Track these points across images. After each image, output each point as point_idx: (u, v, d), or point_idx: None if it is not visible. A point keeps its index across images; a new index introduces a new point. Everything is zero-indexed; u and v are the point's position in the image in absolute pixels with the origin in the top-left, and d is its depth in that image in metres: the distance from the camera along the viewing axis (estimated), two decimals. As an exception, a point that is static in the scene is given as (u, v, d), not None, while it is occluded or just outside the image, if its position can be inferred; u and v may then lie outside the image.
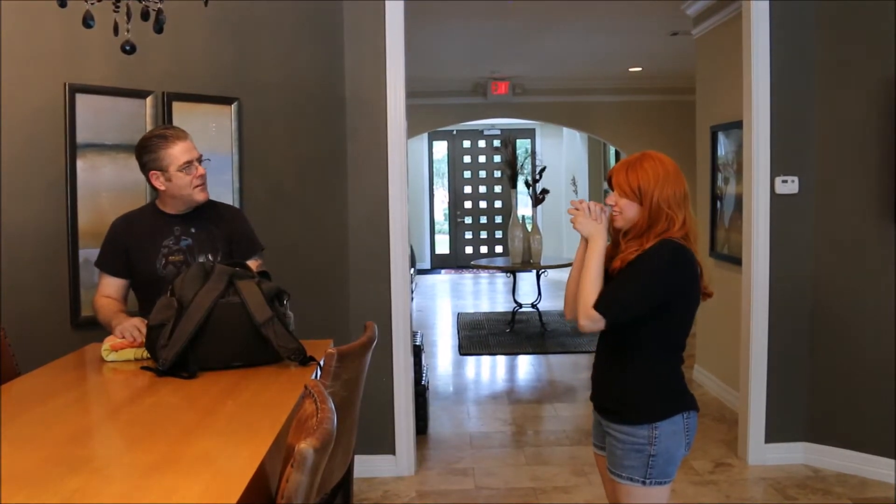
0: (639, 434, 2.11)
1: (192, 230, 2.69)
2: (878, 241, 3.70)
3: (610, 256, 2.19)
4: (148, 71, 3.25)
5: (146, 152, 2.62)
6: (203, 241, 2.69)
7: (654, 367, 2.15)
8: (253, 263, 2.63)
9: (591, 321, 2.08)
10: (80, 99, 3.09)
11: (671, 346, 2.18)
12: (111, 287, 2.70)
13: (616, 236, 2.22)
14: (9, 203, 2.96)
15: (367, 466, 3.82)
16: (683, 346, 2.21)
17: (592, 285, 2.11)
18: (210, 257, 2.66)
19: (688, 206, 2.17)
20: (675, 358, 2.19)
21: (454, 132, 12.80)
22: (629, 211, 2.15)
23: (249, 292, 2.32)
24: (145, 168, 2.64)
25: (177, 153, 2.59)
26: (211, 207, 2.76)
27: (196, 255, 2.67)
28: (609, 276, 2.15)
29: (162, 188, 2.64)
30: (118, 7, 2.17)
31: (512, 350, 6.97)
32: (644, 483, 2.11)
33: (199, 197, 2.65)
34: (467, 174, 13.20)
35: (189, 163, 2.60)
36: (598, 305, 2.07)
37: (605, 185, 2.24)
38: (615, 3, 5.50)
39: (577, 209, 2.19)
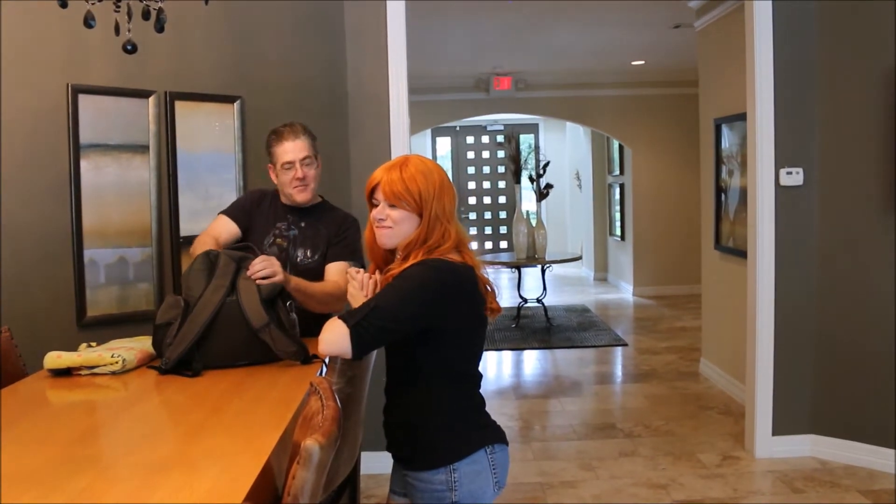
0: (436, 480, 1.85)
1: (302, 224, 2.78)
2: (883, 232, 3.68)
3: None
4: (150, 70, 3.25)
5: (266, 147, 2.77)
6: (307, 237, 2.77)
7: (441, 402, 1.88)
8: (341, 265, 2.68)
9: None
10: (83, 99, 3.09)
11: (458, 376, 1.90)
12: (220, 227, 2.76)
13: (383, 261, 1.93)
14: (13, 204, 2.97)
15: (373, 463, 3.82)
16: (475, 375, 1.95)
17: None
18: (309, 253, 2.74)
19: (455, 218, 1.89)
20: (468, 388, 1.93)
21: (457, 128, 12.78)
22: (405, 224, 1.84)
23: (247, 295, 2.32)
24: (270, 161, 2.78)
25: (280, 152, 2.69)
26: (329, 210, 2.84)
27: (297, 246, 2.76)
28: None
29: (275, 181, 2.78)
30: (119, 7, 2.17)
31: (518, 345, 6.96)
32: None
33: (298, 197, 2.73)
34: (471, 170, 13.18)
35: (290, 163, 2.68)
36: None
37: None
38: (617, -4, 5.49)
39: (352, 278, 1.94)
